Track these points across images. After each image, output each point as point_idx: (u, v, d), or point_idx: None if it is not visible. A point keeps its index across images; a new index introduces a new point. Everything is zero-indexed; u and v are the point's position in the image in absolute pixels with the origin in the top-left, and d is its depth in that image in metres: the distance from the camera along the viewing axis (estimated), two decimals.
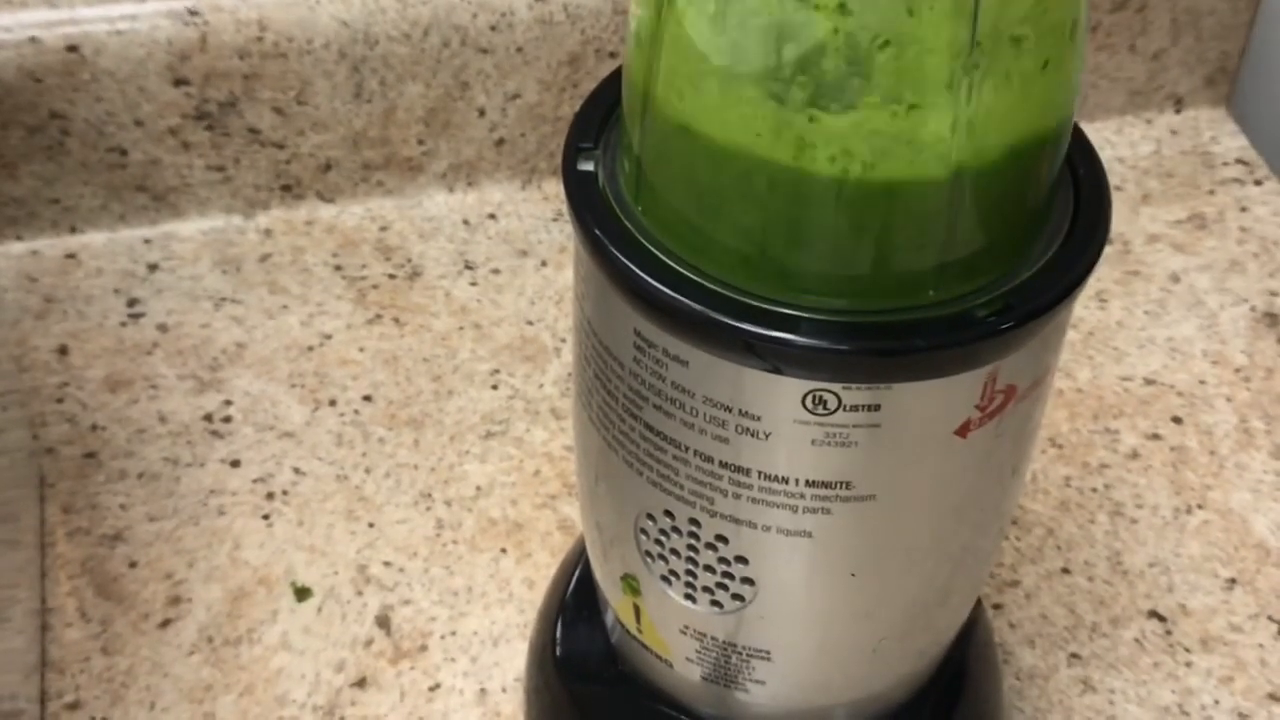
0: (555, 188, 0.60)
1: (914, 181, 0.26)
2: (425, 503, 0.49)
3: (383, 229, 0.58)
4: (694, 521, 0.31)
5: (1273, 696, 0.44)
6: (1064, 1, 0.26)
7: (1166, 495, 0.50)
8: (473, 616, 0.46)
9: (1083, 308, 0.56)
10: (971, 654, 0.40)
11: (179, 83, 0.54)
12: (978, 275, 0.28)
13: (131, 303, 0.55)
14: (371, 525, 0.48)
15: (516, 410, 0.52)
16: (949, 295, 0.28)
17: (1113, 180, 0.59)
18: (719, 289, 0.28)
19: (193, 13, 0.53)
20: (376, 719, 0.43)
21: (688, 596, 0.33)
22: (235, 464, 0.50)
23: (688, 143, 0.27)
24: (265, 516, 0.48)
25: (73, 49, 0.53)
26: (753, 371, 0.28)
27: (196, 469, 0.49)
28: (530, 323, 0.55)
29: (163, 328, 0.54)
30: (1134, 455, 0.51)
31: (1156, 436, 0.52)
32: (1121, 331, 0.56)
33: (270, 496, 0.49)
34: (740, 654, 0.34)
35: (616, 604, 0.36)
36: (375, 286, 0.56)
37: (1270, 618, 0.46)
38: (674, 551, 0.32)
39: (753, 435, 0.29)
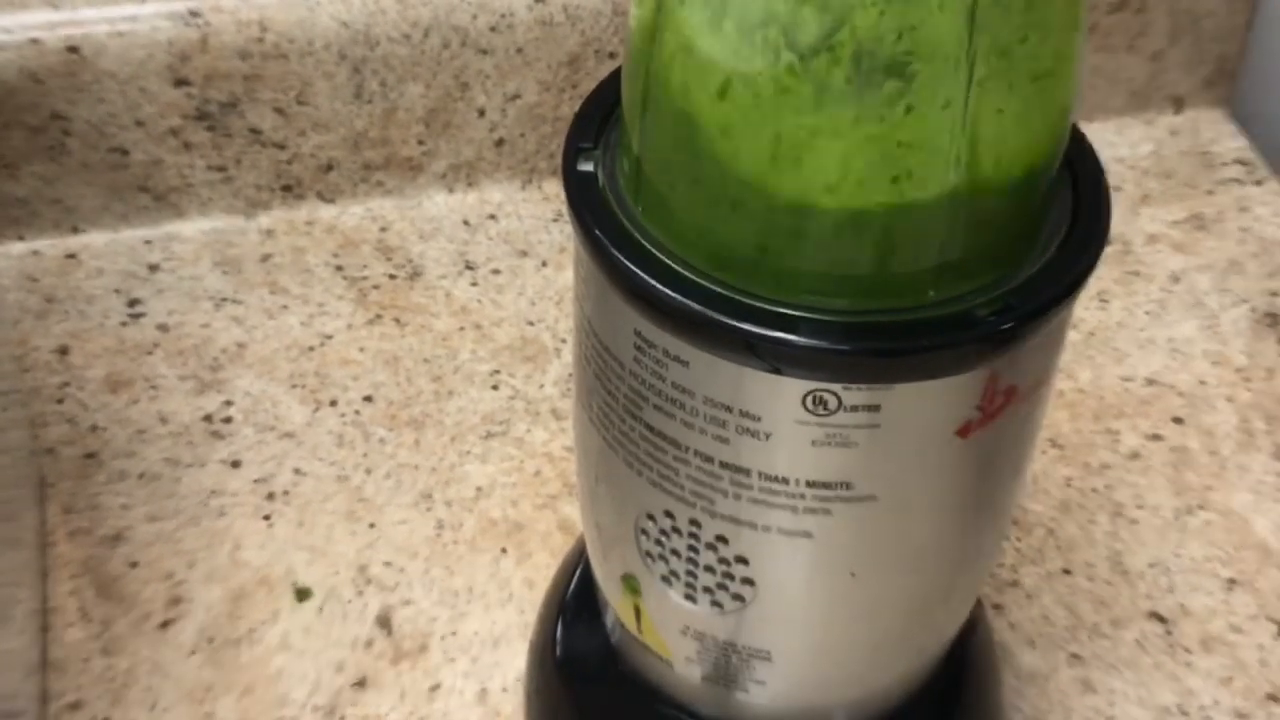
0: (555, 188, 0.60)
1: (916, 183, 0.26)
2: (426, 503, 0.49)
3: (383, 229, 0.58)
4: (694, 522, 0.31)
5: (1272, 697, 0.44)
6: (1064, 4, 0.26)
7: (1167, 496, 0.50)
8: (473, 617, 0.46)
9: (1083, 308, 0.56)
10: (971, 654, 0.40)
11: (180, 83, 0.54)
12: (978, 275, 0.28)
13: (132, 303, 0.55)
14: (372, 526, 0.48)
15: (517, 411, 0.52)
16: (949, 295, 0.28)
17: (1113, 181, 0.59)
18: (719, 289, 0.28)
19: (194, 14, 0.53)
20: (377, 719, 0.43)
21: (688, 597, 0.33)
22: (236, 464, 0.50)
23: (687, 141, 0.27)
24: (266, 517, 0.48)
25: (74, 50, 0.53)
26: (753, 372, 0.28)
27: (197, 469, 0.49)
28: (531, 323, 0.55)
29: (163, 328, 0.54)
30: (1135, 456, 0.51)
31: (1157, 437, 0.52)
32: (1122, 332, 0.56)
33: (271, 497, 0.49)
34: (740, 654, 0.34)
35: (617, 604, 0.36)
36: (376, 287, 0.56)
37: (1270, 618, 0.46)
38: (674, 552, 0.32)
39: (753, 435, 0.29)
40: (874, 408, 0.28)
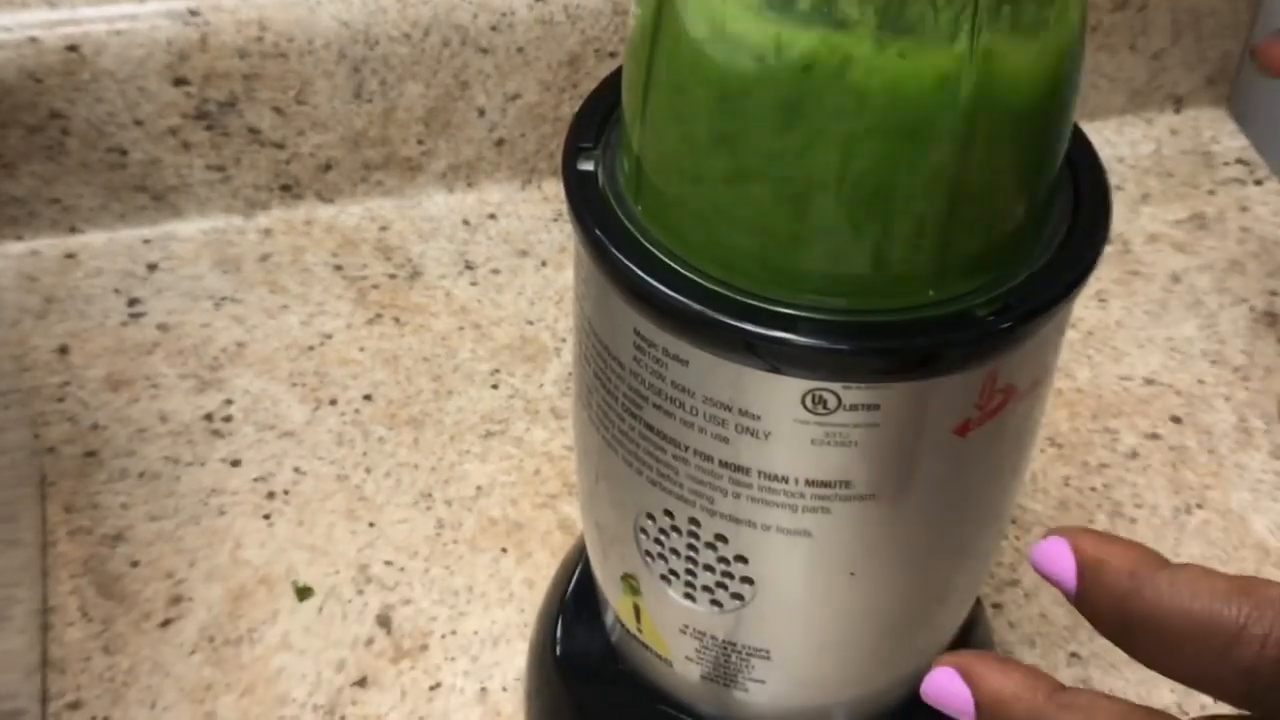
0: (555, 188, 0.60)
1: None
2: (425, 502, 0.49)
3: (383, 229, 0.58)
4: (694, 521, 0.31)
5: None
6: None
7: (1166, 495, 0.50)
8: (473, 616, 0.46)
9: (1082, 307, 0.56)
10: None
11: (179, 83, 0.54)
12: (977, 275, 0.28)
13: (132, 302, 0.55)
14: (372, 525, 0.48)
15: (516, 410, 0.52)
16: (949, 295, 0.28)
17: (1113, 180, 0.59)
18: (719, 289, 0.28)
19: (193, 13, 0.53)
20: (377, 718, 0.43)
21: (687, 596, 0.33)
22: (236, 463, 0.50)
23: (687, 140, 0.27)
24: (266, 516, 0.48)
25: (73, 49, 0.53)
26: (753, 371, 0.28)
27: (197, 468, 0.49)
28: (530, 322, 0.55)
29: (163, 327, 0.54)
30: (1133, 455, 0.51)
31: (1156, 436, 0.52)
32: (1121, 331, 0.56)
33: (271, 496, 0.49)
34: (740, 653, 0.34)
35: (616, 603, 0.36)
36: (375, 286, 0.56)
37: None
38: (674, 551, 0.32)
39: (752, 434, 0.29)
40: (873, 407, 0.28)
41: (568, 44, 0.57)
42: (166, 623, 0.45)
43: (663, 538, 0.32)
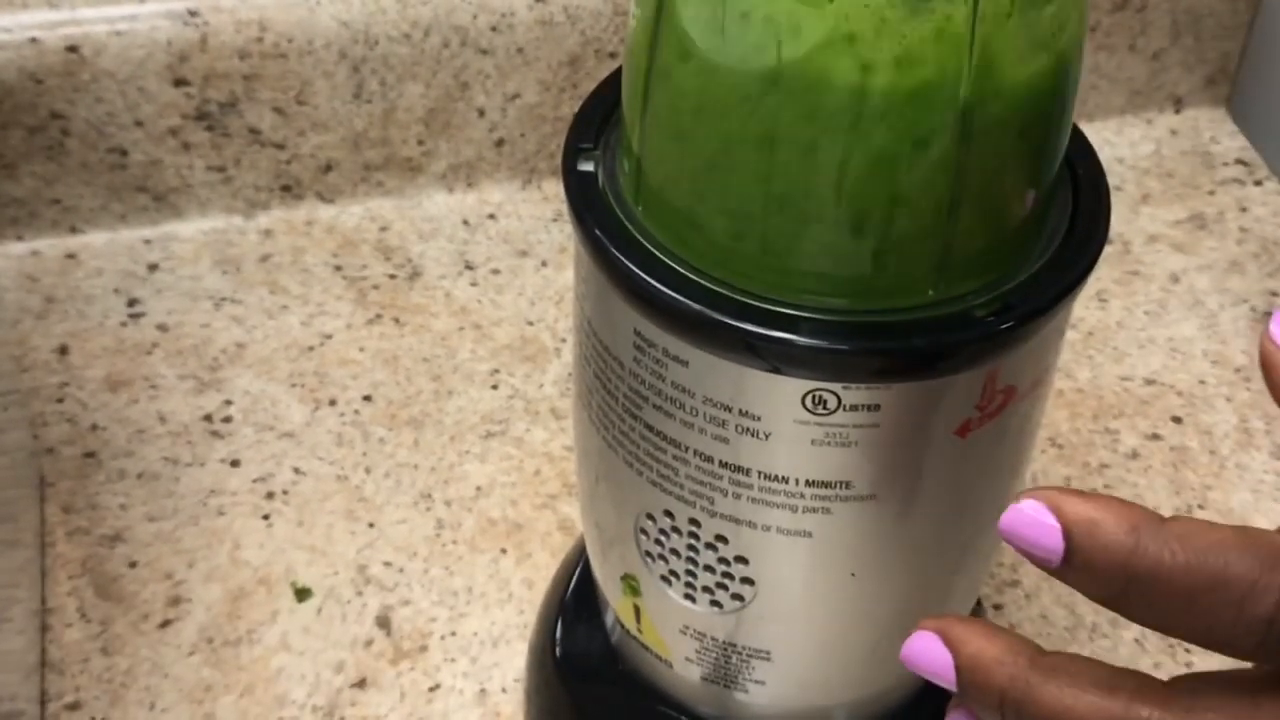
0: (555, 188, 0.60)
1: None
2: (425, 503, 0.49)
3: (383, 229, 0.58)
4: (694, 521, 0.31)
5: None
6: None
7: (1167, 495, 0.50)
8: (472, 617, 0.46)
9: (1083, 307, 0.56)
10: None
11: (179, 83, 0.54)
12: (977, 275, 0.28)
13: (131, 302, 0.55)
14: (371, 525, 0.48)
15: (516, 410, 0.52)
16: (949, 295, 0.28)
17: (1112, 180, 0.59)
18: (719, 289, 0.28)
19: (193, 13, 0.53)
20: (376, 719, 0.43)
21: (687, 596, 0.33)
22: (235, 464, 0.50)
23: (688, 140, 0.27)
24: (265, 516, 0.48)
25: (73, 49, 0.53)
26: (753, 371, 0.28)
27: (196, 469, 0.49)
28: (530, 323, 0.55)
29: (163, 328, 0.54)
30: (1134, 455, 0.51)
31: (1157, 436, 0.52)
32: (1121, 331, 0.56)
33: (270, 496, 0.49)
34: (740, 654, 0.34)
35: (616, 604, 0.36)
36: (375, 287, 0.56)
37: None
38: (674, 551, 0.32)
39: (753, 435, 0.29)
40: (874, 407, 0.28)
41: (568, 44, 0.57)
42: (165, 623, 0.45)
43: (663, 538, 0.32)
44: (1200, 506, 0.50)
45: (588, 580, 0.40)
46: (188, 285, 0.56)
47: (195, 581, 0.46)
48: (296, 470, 0.50)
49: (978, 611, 0.41)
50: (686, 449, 0.30)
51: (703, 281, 0.28)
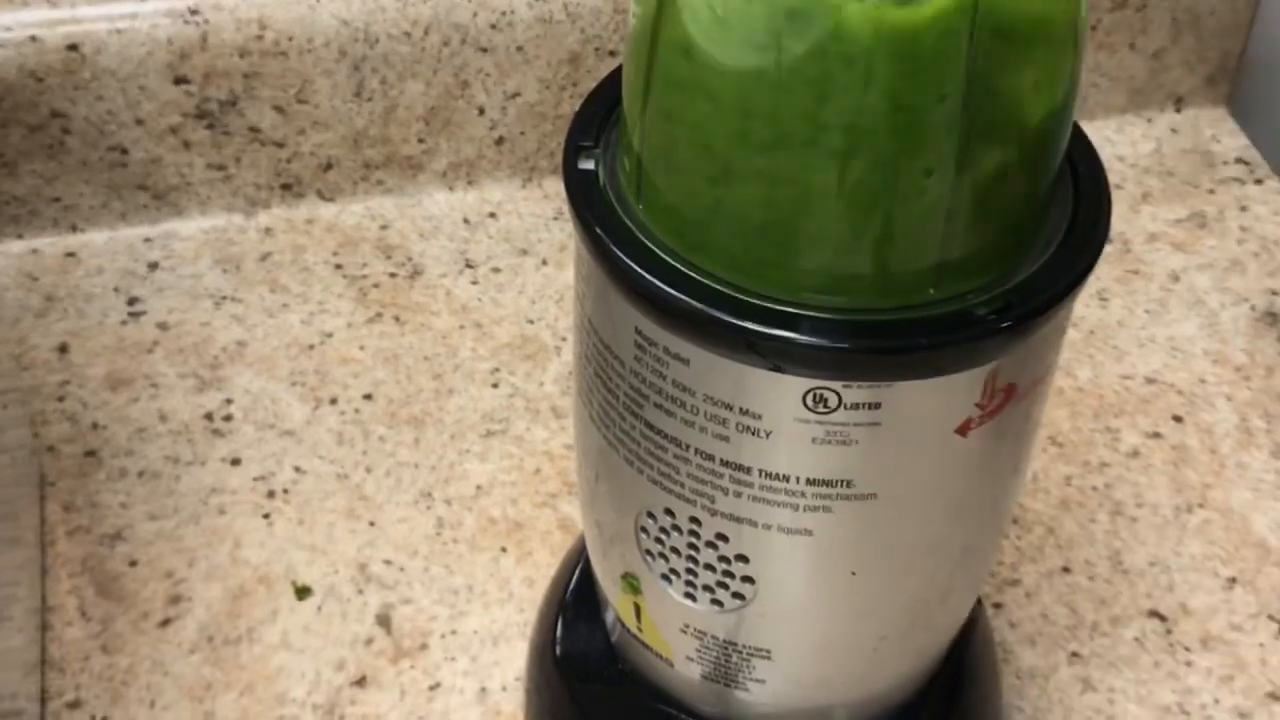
0: (555, 186, 0.60)
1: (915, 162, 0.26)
2: (426, 501, 0.49)
3: (383, 228, 0.58)
4: (694, 520, 0.31)
5: (1273, 696, 0.44)
6: None
7: (1167, 494, 0.50)
8: (473, 615, 0.46)
9: (1083, 306, 0.56)
10: (971, 653, 0.40)
11: (179, 81, 0.54)
12: (978, 274, 0.28)
13: (132, 301, 0.55)
14: (372, 524, 0.48)
15: (517, 409, 0.52)
16: (949, 294, 0.28)
17: (1113, 179, 0.59)
18: (720, 287, 0.28)
19: (193, 11, 0.53)
20: (377, 718, 0.43)
21: (688, 595, 0.33)
22: (236, 462, 0.50)
23: (688, 138, 0.27)
24: (266, 515, 0.48)
25: (73, 48, 0.53)
26: (754, 370, 0.28)
27: (197, 467, 0.49)
28: (531, 321, 0.55)
29: (163, 326, 0.54)
30: (1134, 454, 0.51)
31: (1157, 435, 0.52)
32: (1122, 330, 0.56)
33: (271, 495, 0.49)
34: (740, 653, 0.34)
35: (617, 602, 0.36)
36: (376, 285, 0.56)
37: (1270, 617, 0.46)
38: (674, 550, 0.32)
39: (753, 433, 0.29)
40: (874, 406, 0.28)
41: (568, 43, 0.57)
42: (166, 622, 0.45)
43: (663, 537, 0.32)
44: (1200, 505, 0.50)
45: (588, 579, 0.40)
46: (188, 284, 0.56)
47: (196, 580, 0.46)
48: (297, 469, 0.50)
49: (977, 610, 0.41)
50: (687, 447, 0.30)
51: (703, 280, 0.28)
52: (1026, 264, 0.29)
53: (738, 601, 0.32)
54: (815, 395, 0.28)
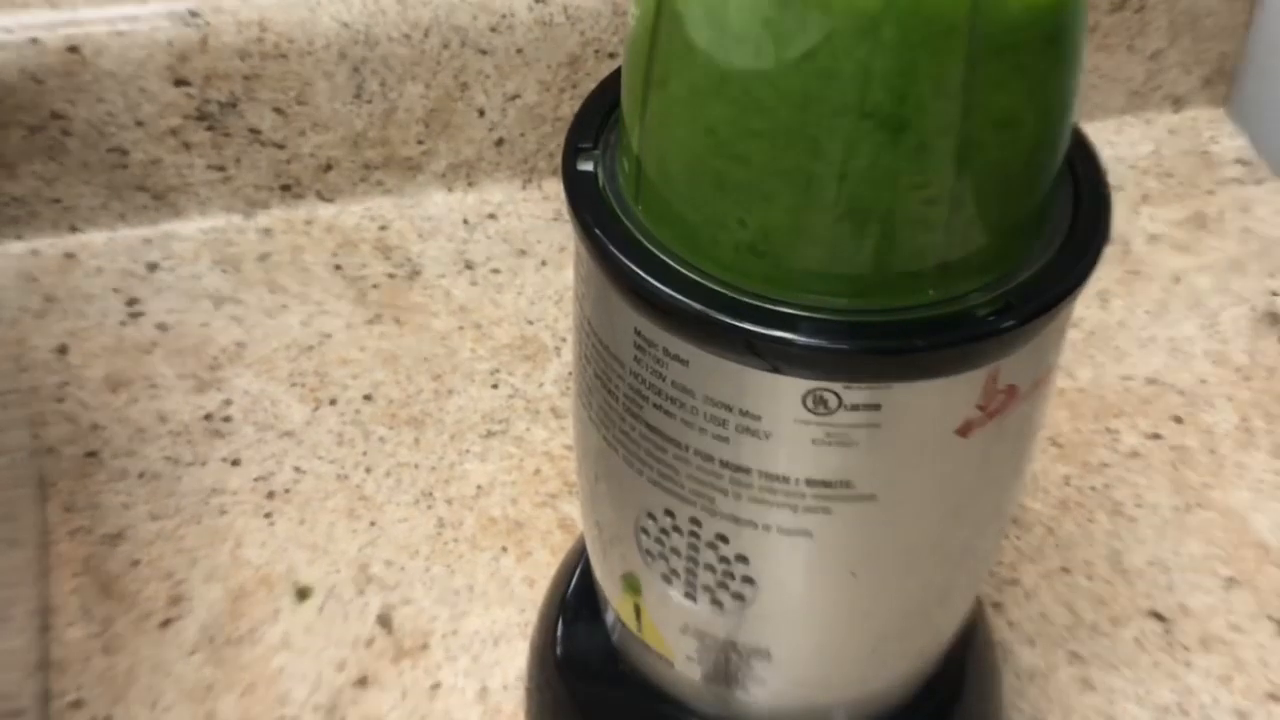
0: (555, 187, 0.60)
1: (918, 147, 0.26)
2: (426, 502, 0.49)
3: (382, 228, 0.58)
4: (694, 521, 0.31)
5: (1272, 696, 0.45)
6: None
7: (1167, 494, 0.50)
8: (474, 615, 0.46)
9: (1084, 307, 0.56)
10: (971, 654, 0.40)
11: (179, 83, 0.54)
12: (978, 275, 0.28)
13: (131, 302, 0.55)
14: (372, 524, 0.48)
15: (517, 409, 0.52)
16: (949, 295, 0.28)
17: (1112, 180, 0.59)
18: (719, 288, 0.28)
19: (193, 14, 0.53)
20: (378, 718, 0.43)
21: (688, 595, 0.33)
22: (236, 463, 0.50)
23: (687, 139, 0.27)
24: (266, 515, 0.48)
25: (73, 50, 0.53)
26: (753, 371, 0.28)
27: (197, 468, 0.49)
28: (530, 322, 0.55)
29: (163, 327, 0.54)
30: (1134, 454, 0.51)
31: (1157, 436, 0.52)
32: (1122, 331, 0.56)
33: (271, 495, 0.49)
34: (740, 653, 0.34)
35: (617, 603, 0.36)
36: (375, 286, 0.56)
37: (1270, 617, 0.47)
38: (674, 551, 0.32)
39: (753, 434, 0.29)
40: (874, 407, 0.28)
41: (567, 45, 0.57)
42: (167, 622, 0.45)
43: (663, 537, 0.32)
44: (1200, 506, 0.50)
45: (588, 579, 0.40)
46: (187, 284, 0.56)
47: (196, 580, 0.46)
48: (297, 469, 0.50)
49: (977, 610, 0.41)
50: (687, 448, 0.30)
51: (703, 281, 0.28)
52: (1027, 265, 0.29)
53: (738, 602, 0.32)
54: (815, 396, 0.28)
